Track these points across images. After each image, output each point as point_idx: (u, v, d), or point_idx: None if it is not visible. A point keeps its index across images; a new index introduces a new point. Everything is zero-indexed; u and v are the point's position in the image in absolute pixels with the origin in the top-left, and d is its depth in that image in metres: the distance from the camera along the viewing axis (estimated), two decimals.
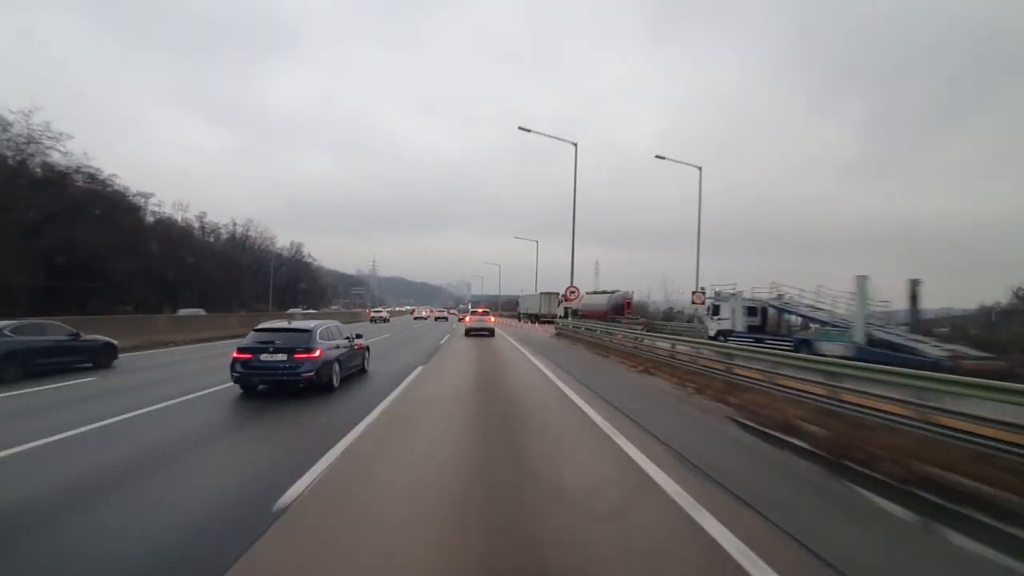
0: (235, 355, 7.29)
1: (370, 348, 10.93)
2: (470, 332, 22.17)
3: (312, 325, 7.87)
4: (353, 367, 9.27)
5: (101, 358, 10.88)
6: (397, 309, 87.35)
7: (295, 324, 8.05)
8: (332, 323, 8.90)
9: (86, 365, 10.47)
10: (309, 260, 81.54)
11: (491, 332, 22.25)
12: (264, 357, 7.17)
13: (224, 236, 62.54)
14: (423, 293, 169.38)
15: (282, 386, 7.38)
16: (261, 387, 7.57)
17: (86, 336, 10.70)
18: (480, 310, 26.03)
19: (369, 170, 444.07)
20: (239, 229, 66.56)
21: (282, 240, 75.02)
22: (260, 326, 7.92)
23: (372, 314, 45.34)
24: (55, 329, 10.20)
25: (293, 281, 71.81)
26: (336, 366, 8.04)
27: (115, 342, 11.38)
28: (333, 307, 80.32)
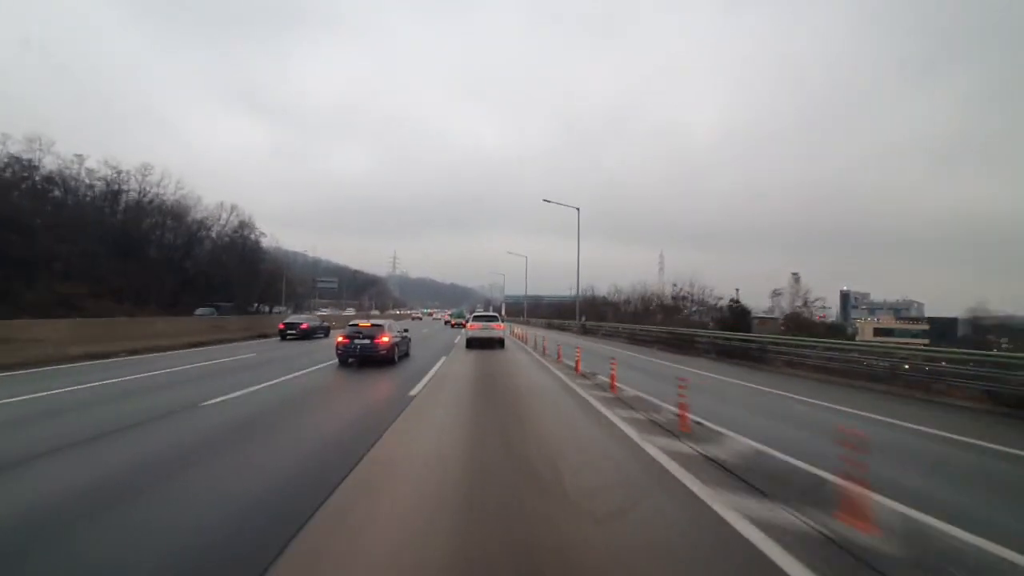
0: (339, 340, 13.46)
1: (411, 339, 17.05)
2: (473, 343, 19.69)
3: (382, 323, 14.10)
4: (403, 351, 15.27)
5: (328, 332, 25.40)
6: (423, 312, 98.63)
7: (373, 321, 14.18)
8: (390, 321, 15.06)
9: (321, 335, 24.90)
10: (258, 238, 58.90)
11: (500, 342, 20.16)
12: (357, 341, 13.30)
13: (96, 191, 42.07)
14: (452, 295, 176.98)
15: (366, 359, 13.43)
16: (350, 360, 13.63)
17: (323, 323, 26.60)
18: (487, 314, 24.74)
19: (399, 167, 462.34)
20: (131, 180, 43.31)
21: (217, 205, 53.54)
22: (351, 323, 14.14)
23: (414, 316, 78.96)
24: (316, 318, 27.86)
25: (236, 269, 51.79)
26: (396, 348, 14.07)
27: (329, 325, 27.10)
28: (322, 311, 64.74)
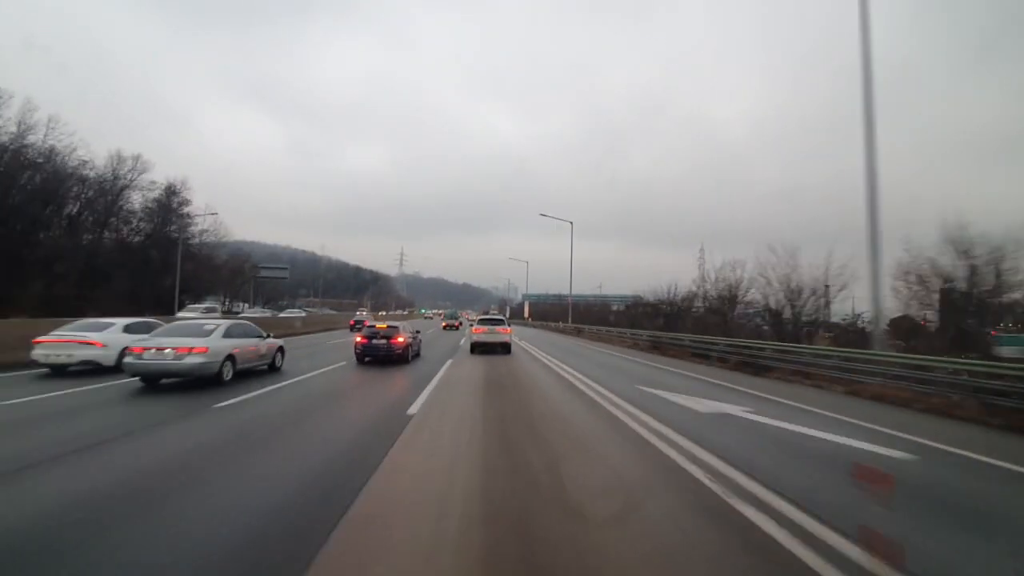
0: (357, 340, 14.86)
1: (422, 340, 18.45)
2: (477, 348, 19.54)
3: (398, 324, 15.45)
4: (415, 351, 16.55)
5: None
6: (431, 312, 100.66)
7: (389, 323, 15.56)
8: (405, 323, 16.46)
9: None
10: (182, 207, 46.38)
11: (507, 347, 19.78)
12: (375, 341, 14.65)
13: None
14: (465, 295, 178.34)
15: (382, 359, 14.71)
16: (366, 359, 15.00)
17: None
18: (493, 317, 23.31)
19: (413, 166, 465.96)
20: None
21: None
22: (368, 324, 15.57)
23: (425, 316, 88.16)
24: (371, 318, 37.65)
25: (136, 250, 41.06)
26: (409, 349, 15.39)
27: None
28: (322, 311, 59.74)
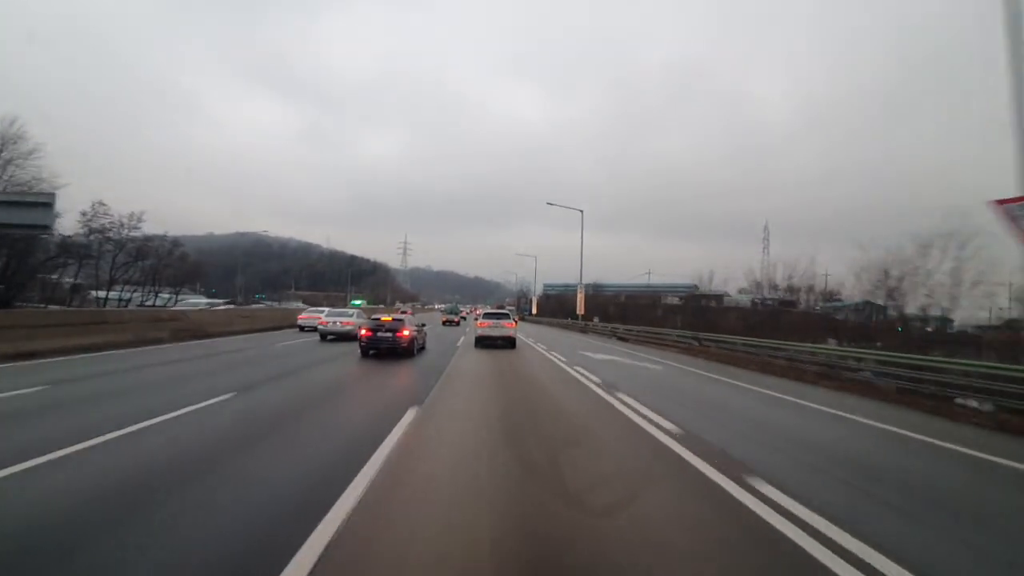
0: (363, 333, 15.51)
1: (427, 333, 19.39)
2: (481, 342, 20.65)
3: (403, 318, 16.21)
4: (420, 345, 17.24)
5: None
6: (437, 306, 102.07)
7: (394, 316, 16.27)
8: (409, 316, 17.18)
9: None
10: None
11: (511, 342, 21.02)
12: (380, 334, 15.34)
13: None
14: (476, 289, 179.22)
15: (388, 352, 15.40)
16: (372, 352, 15.61)
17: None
18: (497, 312, 24.19)
19: (426, 158, 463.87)
20: None
21: None
22: (372, 316, 16.22)
23: (438, 309, 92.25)
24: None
25: None
26: (415, 342, 16.07)
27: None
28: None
